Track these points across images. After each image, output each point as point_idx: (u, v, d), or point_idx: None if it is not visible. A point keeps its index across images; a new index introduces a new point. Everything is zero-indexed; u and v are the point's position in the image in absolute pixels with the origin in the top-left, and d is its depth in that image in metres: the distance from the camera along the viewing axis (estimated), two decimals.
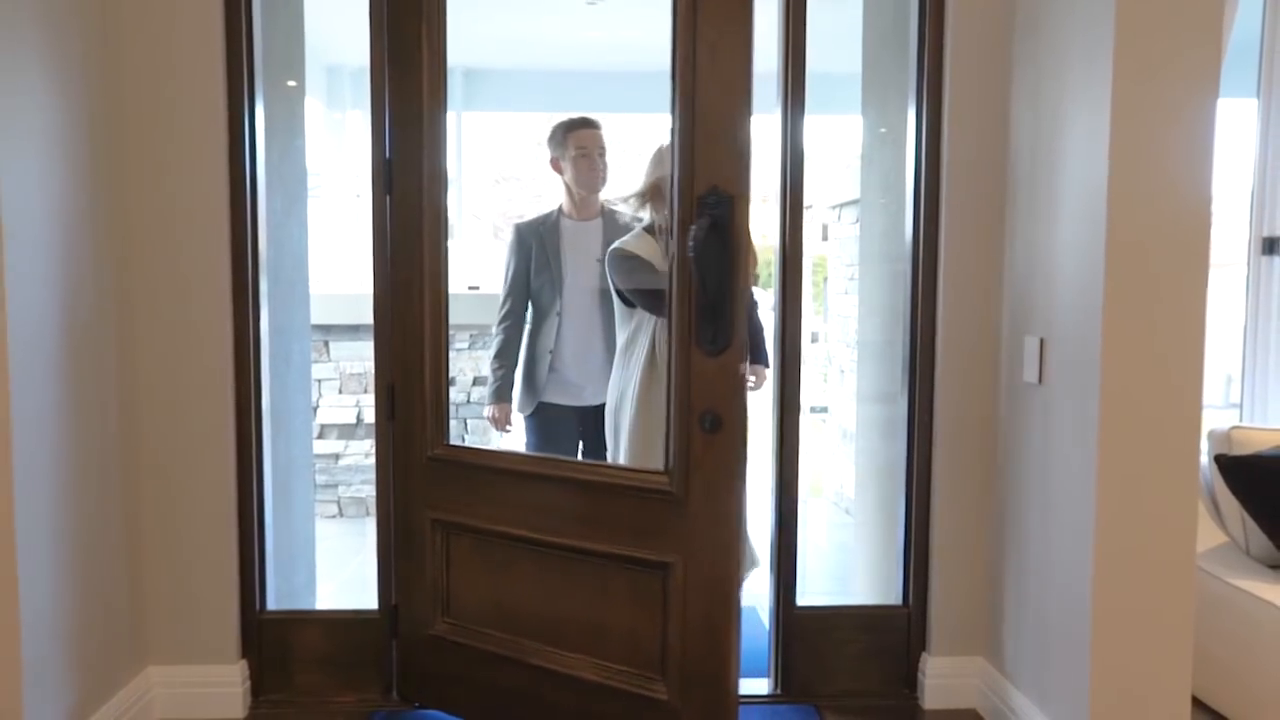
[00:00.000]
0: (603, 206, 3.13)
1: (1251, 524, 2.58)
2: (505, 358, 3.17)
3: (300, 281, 3.11)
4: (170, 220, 2.51)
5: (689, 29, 2.03)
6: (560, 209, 3.13)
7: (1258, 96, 3.17)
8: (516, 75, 6.19)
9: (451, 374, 5.07)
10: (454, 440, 5.08)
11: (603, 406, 2.98)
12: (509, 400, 3.19)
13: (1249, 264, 3.20)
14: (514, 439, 3.39)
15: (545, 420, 3.15)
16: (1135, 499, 2.08)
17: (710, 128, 2.03)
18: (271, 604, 2.71)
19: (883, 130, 3.09)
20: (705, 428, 2.04)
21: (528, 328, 3.17)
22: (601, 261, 2.96)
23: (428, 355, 2.53)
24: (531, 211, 3.27)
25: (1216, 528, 2.73)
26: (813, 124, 2.76)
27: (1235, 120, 3.38)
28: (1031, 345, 2.35)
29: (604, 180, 3.09)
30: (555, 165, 3.11)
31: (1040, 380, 2.33)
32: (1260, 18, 3.13)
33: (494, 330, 3.20)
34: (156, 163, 2.49)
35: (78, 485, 2.24)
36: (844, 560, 4.10)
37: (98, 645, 2.33)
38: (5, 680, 1.97)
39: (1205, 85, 2.03)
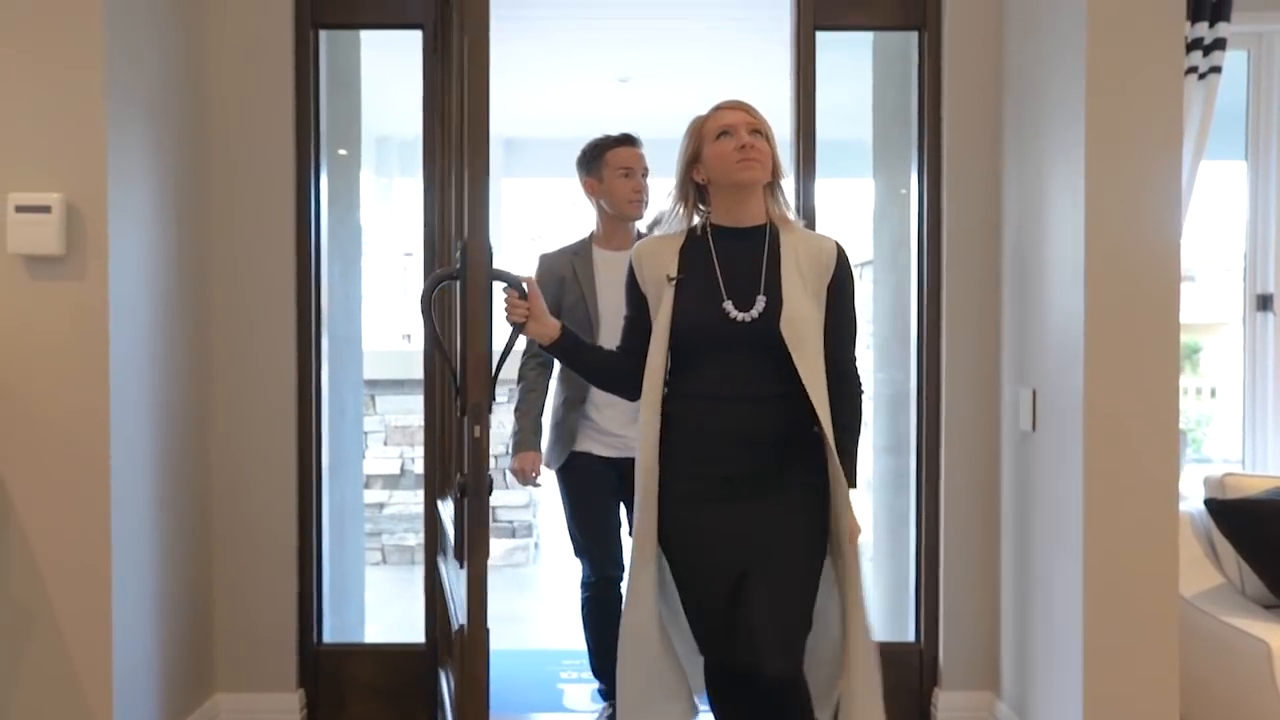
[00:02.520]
0: (638, 234, 2.72)
1: (1246, 566, 2.73)
2: (530, 405, 2.79)
3: (354, 339, 3.39)
4: (244, 283, 2.80)
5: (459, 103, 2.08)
6: (592, 237, 2.77)
7: (1246, 159, 3.37)
8: (552, 144, 6.57)
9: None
10: (497, 491, 5.36)
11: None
12: (535, 448, 2.79)
13: (1244, 321, 3.37)
14: (546, 494, 3.06)
15: (579, 473, 2.74)
16: (1120, 538, 2.26)
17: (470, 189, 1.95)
18: (327, 637, 2.94)
19: (903, 192, 3.30)
20: (458, 493, 1.92)
21: (556, 372, 2.78)
22: None
23: (436, 405, 2.79)
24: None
25: (1214, 570, 2.87)
26: (834, 187, 3.01)
27: (1230, 182, 3.58)
28: (1025, 396, 2.55)
29: (646, 204, 2.72)
30: (590, 188, 2.73)
31: (1034, 429, 2.52)
32: (1245, 85, 3.35)
33: (517, 375, 2.80)
34: (234, 230, 2.80)
35: (161, 522, 2.50)
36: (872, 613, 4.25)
37: (174, 671, 2.56)
38: (98, 697, 2.21)
39: (1169, 156, 2.26)
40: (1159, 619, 2.26)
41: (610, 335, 2.45)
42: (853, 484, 1.98)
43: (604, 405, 2.65)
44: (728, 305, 1.96)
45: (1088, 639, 2.26)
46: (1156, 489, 2.25)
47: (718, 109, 2.03)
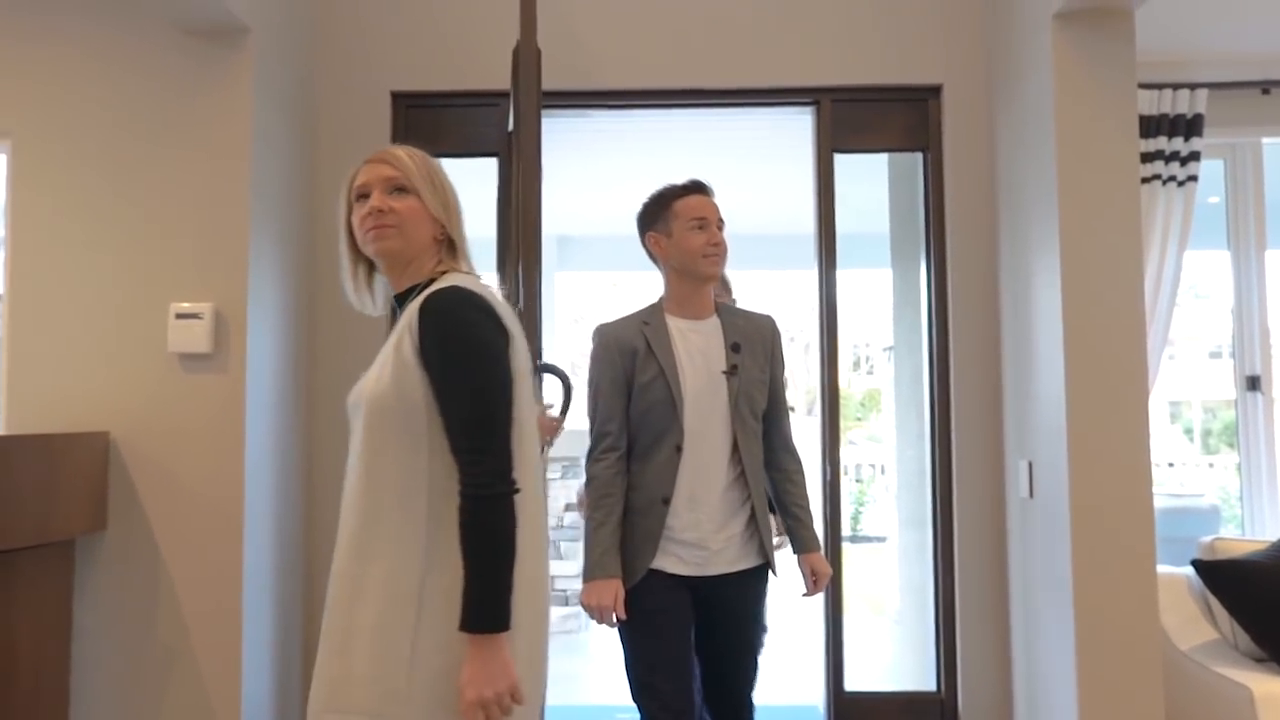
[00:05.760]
0: (717, 300, 2.34)
1: (1237, 623, 3.01)
2: (606, 513, 2.16)
3: None
4: (344, 371, 3.27)
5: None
6: (662, 304, 2.31)
7: (1229, 250, 3.74)
8: (601, 240, 7.17)
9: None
10: (551, 561, 5.73)
11: (733, 576, 2.18)
12: (616, 574, 2.13)
13: (1237, 400, 3.69)
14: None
15: (649, 597, 2.14)
16: (1104, 593, 2.59)
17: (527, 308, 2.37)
18: None
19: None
20: None
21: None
22: (728, 374, 2.22)
23: None
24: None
25: (1210, 626, 3.15)
26: (861, 277, 3.40)
27: (1222, 270, 3.93)
28: (1022, 467, 2.91)
29: (724, 262, 2.31)
30: (656, 245, 2.29)
31: (1031, 495, 2.87)
32: (1224, 187, 3.74)
33: (586, 474, 2.25)
34: (336, 328, 3.28)
35: (278, 578, 2.92)
36: (899, 665, 4.53)
37: (285, 707, 2.95)
38: None
39: (1131, 256, 2.65)
40: (1144, 667, 2.57)
41: (695, 415, 2.18)
42: (473, 625, 1.40)
43: (686, 508, 2.17)
44: None
45: (1081, 686, 2.57)
46: (1135, 549, 2.59)
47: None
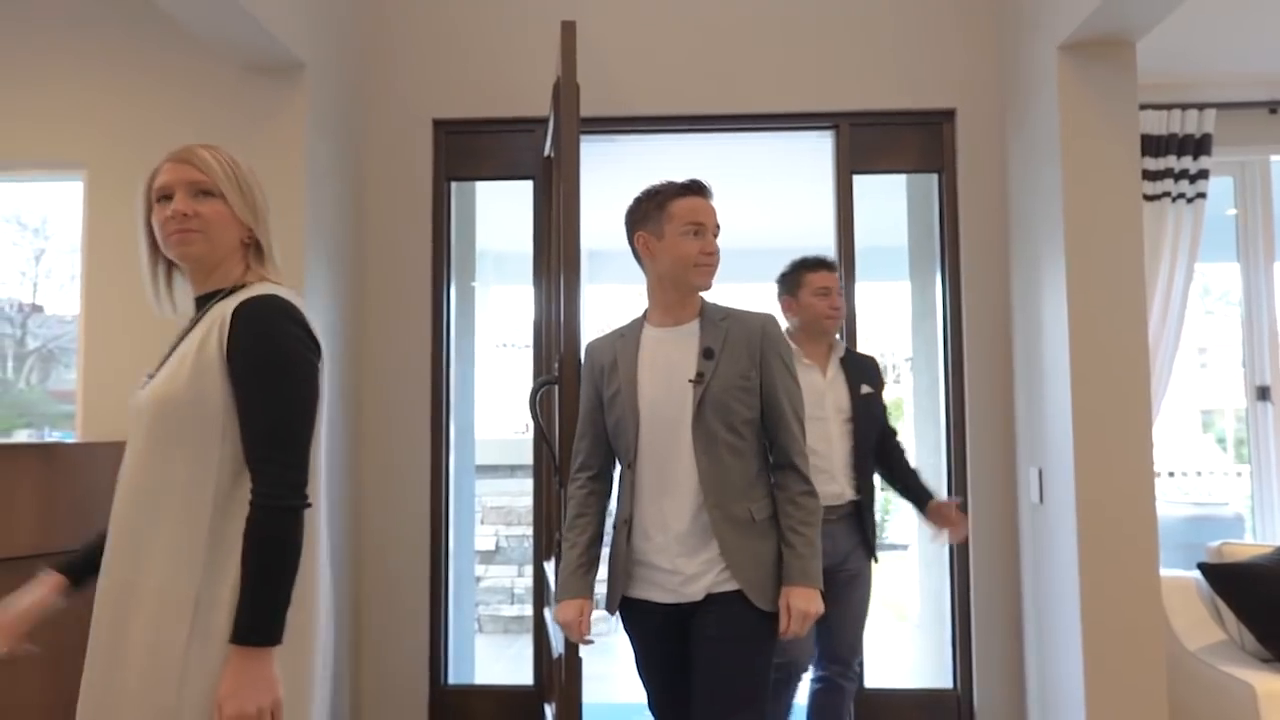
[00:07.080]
0: (702, 303, 2.14)
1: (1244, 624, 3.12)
2: (577, 534, 2.12)
3: (468, 429, 4.03)
4: (389, 384, 3.47)
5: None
6: (645, 313, 2.18)
7: (1239, 262, 3.85)
8: (628, 255, 7.29)
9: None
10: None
11: (716, 598, 1.98)
12: (582, 594, 2.08)
13: (1247, 410, 3.80)
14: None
15: (634, 638, 2.13)
16: (1109, 594, 2.72)
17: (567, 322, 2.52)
18: (450, 680, 3.50)
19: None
20: (557, 548, 2.41)
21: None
22: (695, 383, 2.02)
23: (543, 483, 3.34)
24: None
25: (1218, 628, 3.26)
26: (885, 289, 3.54)
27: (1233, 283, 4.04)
28: (1033, 474, 3.05)
29: (716, 273, 2.15)
30: (646, 247, 2.11)
31: (1041, 501, 3.01)
32: (1235, 202, 3.86)
33: (568, 494, 2.19)
34: (382, 342, 3.48)
35: (334, 581, 3.11)
36: (919, 667, 4.65)
37: (336, 708, 3.14)
38: None
39: (1133, 272, 2.79)
40: (1148, 665, 2.70)
41: (652, 430, 2.03)
42: (244, 637, 1.38)
43: (653, 528, 2.04)
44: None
45: (1088, 682, 2.71)
46: (1139, 551, 2.72)
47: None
